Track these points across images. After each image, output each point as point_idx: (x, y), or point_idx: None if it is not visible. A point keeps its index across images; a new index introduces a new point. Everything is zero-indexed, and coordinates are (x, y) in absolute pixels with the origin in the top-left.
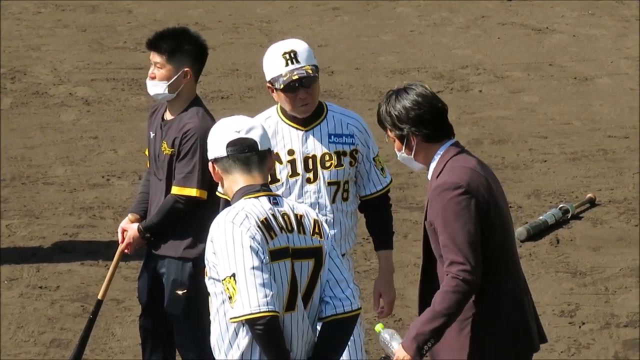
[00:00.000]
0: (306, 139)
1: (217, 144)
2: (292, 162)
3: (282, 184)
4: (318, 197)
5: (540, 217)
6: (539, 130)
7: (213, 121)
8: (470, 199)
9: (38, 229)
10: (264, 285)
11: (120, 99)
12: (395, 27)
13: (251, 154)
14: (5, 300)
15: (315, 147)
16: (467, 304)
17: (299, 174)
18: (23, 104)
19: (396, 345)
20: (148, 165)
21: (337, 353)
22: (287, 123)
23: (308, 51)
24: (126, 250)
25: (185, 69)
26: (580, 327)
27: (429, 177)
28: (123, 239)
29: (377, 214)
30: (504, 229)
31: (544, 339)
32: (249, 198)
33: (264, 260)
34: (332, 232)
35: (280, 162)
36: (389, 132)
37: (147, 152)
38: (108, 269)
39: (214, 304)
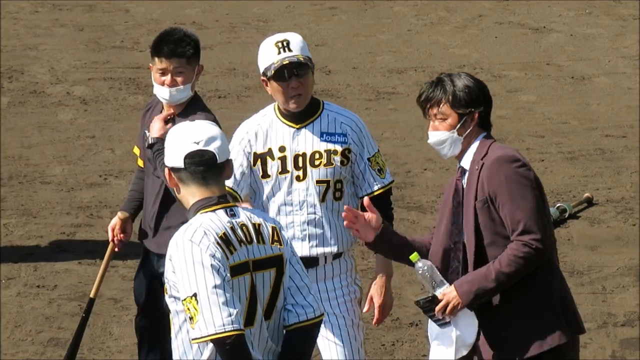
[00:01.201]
0: (298, 137)
1: (174, 154)
2: (283, 159)
3: (272, 179)
4: (307, 194)
5: None
6: (536, 129)
7: (213, 115)
8: (531, 172)
9: (35, 228)
10: (226, 303)
11: (118, 98)
12: (392, 27)
13: (209, 168)
14: (3, 299)
15: (306, 144)
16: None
17: (288, 171)
18: (20, 103)
19: (440, 284)
20: (139, 163)
21: None
22: (281, 120)
23: (302, 42)
24: (116, 249)
25: (200, 65)
26: None
27: (465, 163)
28: (113, 237)
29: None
30: (548, 211)
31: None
32: (206, 212)
33: (226, 278)
34: (319, 231)
35: (272, 159)
36: (445, 110)
37: (137, 151)
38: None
39: (175, 322)
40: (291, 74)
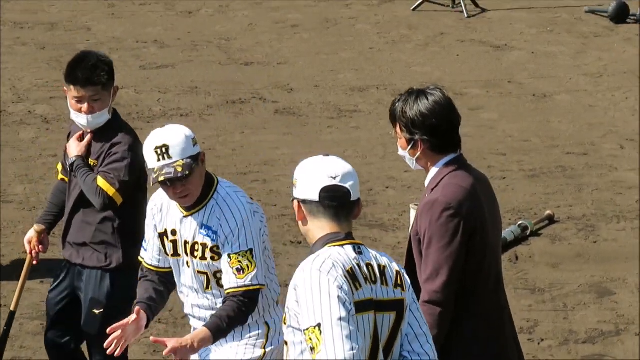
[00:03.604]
0: (184, 224)
1: (309, 187)
2: (174, 243)
3: (170, 259)
4: (192, 281)
5: None
6: (497, 147)
7: (134, 133)
8: (459, 222)
9: None
10: (350, 337)
11: None
12: (354, 45)
13: (342, 204)
14: None
15: (190, 234)
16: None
17: (179, 255)
18: None
19: None
20: (59, 177)
21: None
22: (175, 203)
23: (183, 143)
24: (34, 262)
25: (115, 87)
26: (539, 343)
27: (426, 184)
28: (31, 249)
29: (224, 305)
30: (484, 254)
31: None
32: (334, 246)
33: (351, 312)
34: (209, 313)
35: (167, 239)
36: (398, 130)
37: (59, 167)
38: None
39: (291, 353)
40: (173, 182)
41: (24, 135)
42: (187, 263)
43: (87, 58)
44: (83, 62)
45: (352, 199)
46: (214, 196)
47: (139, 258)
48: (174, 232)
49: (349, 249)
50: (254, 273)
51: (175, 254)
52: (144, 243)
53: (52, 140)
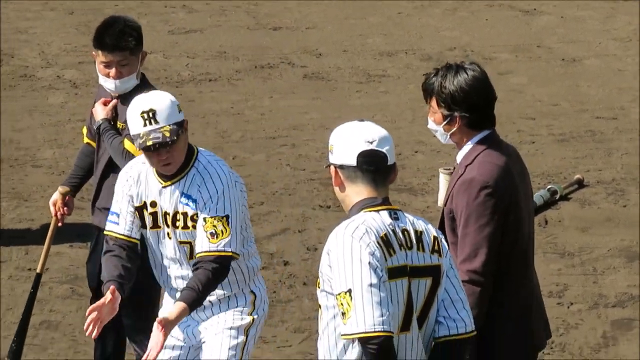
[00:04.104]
0: (163, 195)
1: (346, 151)
2: (154, 215)
3: (147, 232)
4: (175, 252)
5: None
6: (527, 111)
7: None
8: (496, 201)
9: (27, 212)
10: (380, 303)
11: None
12: (382, 9)
13: (380, 168)
14: None
15: (170, 204)
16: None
17: (160, 227)
18: (11, 87)
19: None
20: (85, 140)
21: None
22: (153, 173)
23: (169, 108)
24: (60, 224)
25: (143, 52)
26: (568, 307)
27: (458, 160)
28: (56, 212)
29: (195, 272)
30: (517, 233)
31: (549, 334)
32: (370, 211)
33: (382, 278)
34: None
35: (147, 212)
36: (434, 105)
37: (84, 130)
38: None
39: (324, 317)
40: (157, 147)
41: (52, 100)
42: (168, 234)
43: (116, 23)
44: (111, 27)
45: (388, 164)
46: (194, 165)
47: (108, 232)
48: (153, 204)
49: (384, 214)
50: (227, 239)
51: (155, 225)
52: (112, 216)
53: (80, 105)
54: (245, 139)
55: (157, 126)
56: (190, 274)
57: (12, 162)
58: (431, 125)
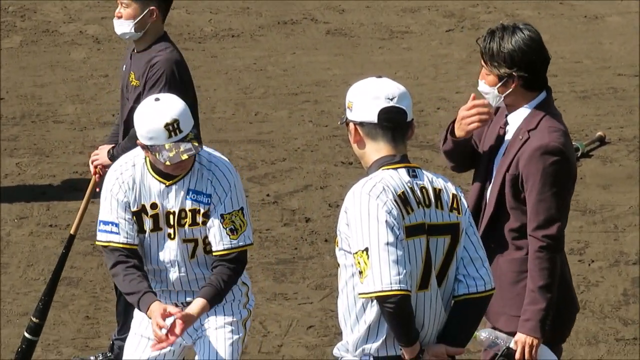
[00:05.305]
0: (168, 194)
1: (367, 108)
2: (155, 217)
3: (146, 235)
4: (177, 254)
5: None
6: (549, 68)
7: (181, 57)
8: (569, 167)
9: (48, 167)
10: (397, 262)
11: None
12: None
13: (400, 125)
14: (15, 239)
15: (176, 202)
16: (523, 258)
17: (161, 229)
18: (33, 42)
19: (507, 339)
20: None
21: (468, 333)
22: (152, 175)
23: (187, 113)
24: (97, 178)
25: (152, 8)
26: (589, 264)
27: (515, 122)
28: (95, 171)
29: (216, 270)
30: (570, 201)
31: None
32: (388, 169)
33: (399, 237)
34: (192, 287)
35: (146, 215)
36: (488, 66)
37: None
38: None
39: (342, 276)
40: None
41: (75, 55)
42: (170, 235)
43: None
44: None
45: (407, 120)
46: (196, 159)
47: (107, 243)
48: (153, 206)
49: (402, 172)
50: (246, 232)
51: (156, 228)
52: (110, 227)
53: (103, 61)
54: (267, 95)
55: (181, 135)
56: (189, 275)
57: (33, 117)
58: (482, 87)
